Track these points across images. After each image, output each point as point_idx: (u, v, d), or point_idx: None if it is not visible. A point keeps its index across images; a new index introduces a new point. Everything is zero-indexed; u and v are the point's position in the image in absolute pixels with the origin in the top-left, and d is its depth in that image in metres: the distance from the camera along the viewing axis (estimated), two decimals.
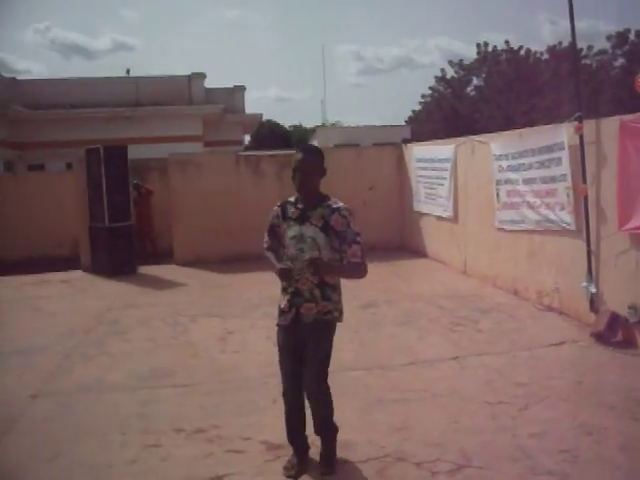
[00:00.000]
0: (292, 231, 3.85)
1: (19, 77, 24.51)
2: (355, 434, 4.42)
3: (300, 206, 3.86)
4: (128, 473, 4.13)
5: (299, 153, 3.83)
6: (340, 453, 4.01)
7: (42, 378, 6.10)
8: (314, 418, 3.97)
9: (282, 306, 3.92)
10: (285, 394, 3.97)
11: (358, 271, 3.79)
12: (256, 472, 4.01)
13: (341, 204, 3.83)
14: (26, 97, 22.75)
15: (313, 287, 3.81)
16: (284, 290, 3.93)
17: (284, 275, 3.77)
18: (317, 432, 4.04)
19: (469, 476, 3.88)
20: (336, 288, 3.92)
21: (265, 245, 4.09)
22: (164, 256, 13.22)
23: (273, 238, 4.04)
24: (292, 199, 3.96)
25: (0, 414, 5.25)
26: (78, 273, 12.31)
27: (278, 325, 3.98)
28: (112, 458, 4.34)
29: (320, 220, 3.77)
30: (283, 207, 3.97)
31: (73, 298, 10.04)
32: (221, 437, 4.53)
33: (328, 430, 4.01)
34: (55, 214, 14.37)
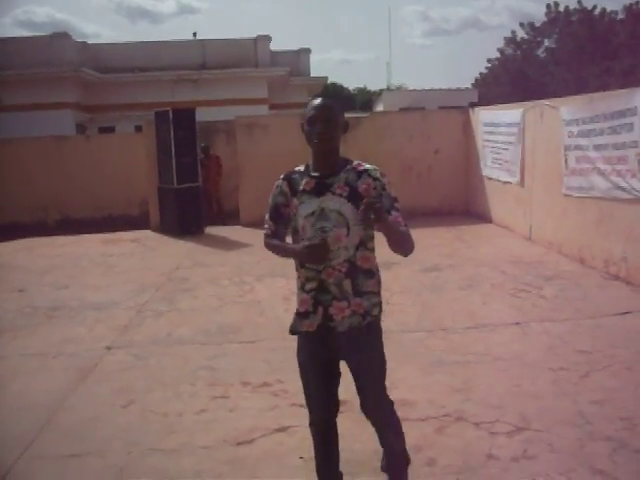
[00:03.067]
0: (308, 207, 2.89)
1: (89, 41, 24.99)
2: (415, 393, 4.52)
3: (315, 174, 2.93)
4: (197, 422, 4.35)
5: (315, 99, 2.91)
6: (399, 411, 4.10)
7: (116, 331, 6.42)
8: (384, 448, 3.26)
9: (302, 308, 2.96)
10: (313, 425, 3.20)
11: (409, 241, 2.85)
12: None
13: (368, 165, 2.94)
14: (96, 61, 23.30)
15: (342, 278, 2.86)
16: (302, 288, 2.96)
17: (318, 252, 2.75)
18: (384, 467, 3.34)
19: (528, 438, 3.93)
20: (372, 274, 2.96)
21: (267, 232, 3.08)
22: (230, 217, 13.51)
23: (278, 222, 3.04)
24: (300, 168, 3.03)
25: (77, 363, 5.57)
26: (147, 232, 12.74)
27: (297, 333, 3.04)
28: (182, 407, 4.58)
29: (345, 188, 2.85)
30: (290, 180, 3.01)
31: (143, 256, 10.42)
32: (286, 391, 4.70)
33: (399, 462, 3.26)
34: (125, 175, 14.77)
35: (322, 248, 2.75)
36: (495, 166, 11.49)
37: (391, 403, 3.16)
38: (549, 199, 9.34)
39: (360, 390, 3.08)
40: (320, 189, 2.89)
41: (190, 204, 12.15)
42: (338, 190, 2.86)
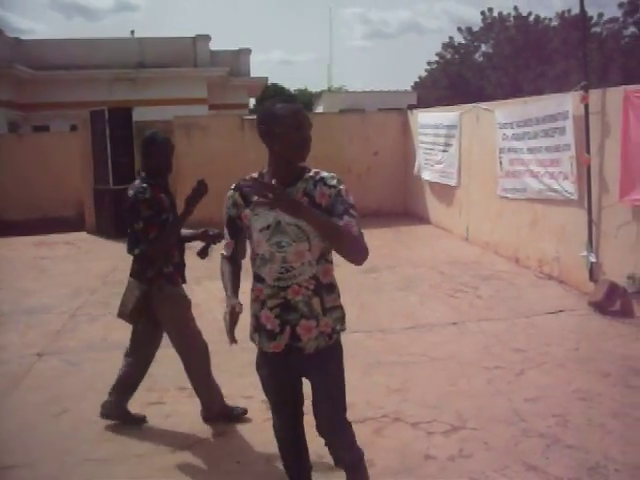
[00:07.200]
0: (262, 220, 2.69)
1: (23, 37, 24.22)
2: (354, 395, 4.47)
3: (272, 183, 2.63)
4: (133, 429, 4.26)
5: (286, 103, 2.68)
6: None
7: (48, 337, 6.23)
8: (333, 454, 3.01)
9: (268, 325, 2.78)
10: (277, 430, 3.06)
11: (354, 243, 2.59)
12: (257, 429, 4.13)
13: (325, 173, 2.73)
14: (30, 57, 22.53)
15: (310, 295, 2.72)
16: (264, 303, 2.80)
17: (227, 328, 2.73)
18: (338, 465, 3.07)
19: (464, 437, 4.00)
20: (333, 287, 2.84)
21: (225, 252, 2.94)
22: None
23: (238, 237, 2.88)
24: (253, 175, 2.77)
25: (7, 371, 5.39)
26: (82, 235, 12.42)
27: (261, 351, 2.90)
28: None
29: (303, 198, 2.64)
30: (242, 189, 2.79)
31: (78, 259, 10.15)
32: (223, 395, 4.64)
33: (353, 464, 3.01)
34: (60, 176, 14.38)
35: (228, 333, 2.70)
36: (432, 168, 11.62)
37: (349, 425, 2.96)
38: (485, 201, 9.52)
39: (318, 411, 2.88)
40: None
41: None
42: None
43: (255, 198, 2.63)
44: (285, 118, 2.61)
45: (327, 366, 2.83)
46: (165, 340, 5.95)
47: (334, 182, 2.69)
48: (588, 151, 6.75)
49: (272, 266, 2.71)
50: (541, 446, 3.85)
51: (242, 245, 2.91)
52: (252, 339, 2.91)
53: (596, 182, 6.74)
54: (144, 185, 4.06)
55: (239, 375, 4.96)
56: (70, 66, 22.58)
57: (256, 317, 2.84)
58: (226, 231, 2.89)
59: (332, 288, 2.82)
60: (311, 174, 2.72)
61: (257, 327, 2.84)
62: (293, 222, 2.63)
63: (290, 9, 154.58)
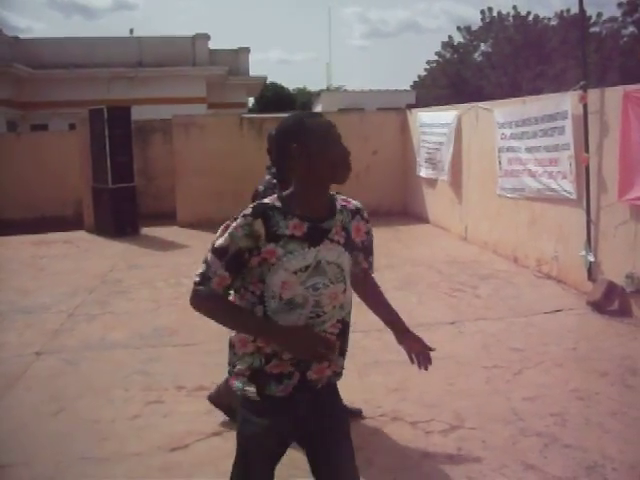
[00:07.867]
0: (300, 259, 2.16)
1: (21, 36, 24.24)
2: (352, 394, 4.50)
3: (307, 214, 2.21)
4: (130, 428, 4.25)
5: (318, 118, 2.29)
6: None
7: (46, 336, 6.21)
8: None
9: (275, 370, 2.23)
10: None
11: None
12: None
13: (356, 202, 2.39)
14: (29, 56, 22.55)
15: (333, 341, 2.29)
16: (266, 355, 2.23)
17: (318, 350, 2.18)
18: None
19: (462, 436, 3.99)
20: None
21: (212, 284, 2.17)
22: (167, 217, 13.28)
23: (238, 273, 2.20)
24: (273, 202, 2.23)
25: (4, 370, 5.36)
26: (81, 233, 12.40)
27: (260, 396, 2.24)
28: (115, 413, 4.46)
29: (342, 233, 2.26)
30: (265, 217, 2.17)
31: (76, 258, 10.13)
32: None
33: None
34: (58, 175, 14.37)
35: (327, 349, 2.19)
36: (431, 166, 11.61)
37: None
38: (484, 200, 9.52)
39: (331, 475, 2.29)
40: (315, 236, 2.20)
41: (125, 204, 11.89)
42: (336, 237, 2.24)
43: (288, 232, 2.17)
44: (322, 133, 2.21)
45: (336, 406, 2.41)
46: (164, 339, 5.98)
47: (366, 215, 2.39)
48: (587, 150, 6.75)
49: (302, 312, 2.20)
50: (539, 445, 3.85)
51: (239, 284, 2.26)
52: (243, 390, 2.28)
53: (595, 181, 6.74)
54: (274, 181, 4.08)
55: None
56: (69, 65, 22.59)
57: (255, 370, 2.25)
58: (222, 264, 2.18)
59: (349, 327, 2.42)
60: (341, 202, 2.33)
61: (255, 377, 2.26)
62: (333, 261, 2.22)
63: (289, 8, 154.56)
